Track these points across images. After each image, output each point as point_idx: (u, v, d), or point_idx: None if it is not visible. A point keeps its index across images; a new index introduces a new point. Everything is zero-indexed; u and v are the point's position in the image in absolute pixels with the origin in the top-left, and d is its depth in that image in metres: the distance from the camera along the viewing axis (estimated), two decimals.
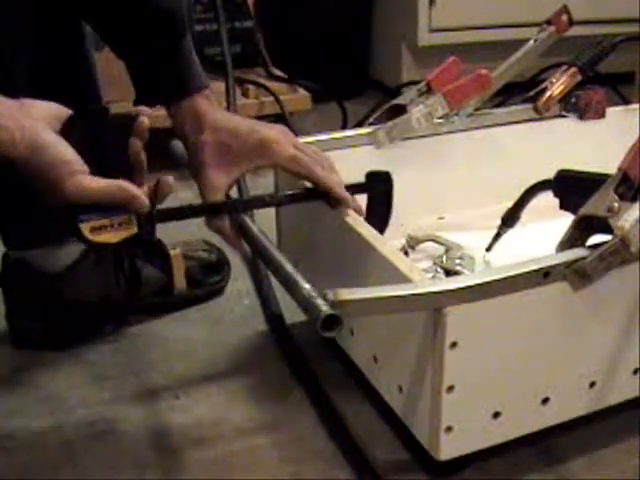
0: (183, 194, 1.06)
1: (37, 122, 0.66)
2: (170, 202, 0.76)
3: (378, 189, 0.88)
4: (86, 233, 0.69)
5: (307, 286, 0.65)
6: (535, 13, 1.32)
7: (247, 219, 0.81)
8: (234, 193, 0.88)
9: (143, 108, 0.74)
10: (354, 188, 0.85)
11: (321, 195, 0.83)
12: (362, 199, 0.87)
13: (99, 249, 0.73)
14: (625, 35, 1.23)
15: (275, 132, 0.83)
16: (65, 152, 0.67)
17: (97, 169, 0.69)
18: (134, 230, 0.71)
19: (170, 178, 0.74)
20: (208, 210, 0.81)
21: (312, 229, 0.91)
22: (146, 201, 0.71)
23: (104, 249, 0.73)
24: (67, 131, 0.69)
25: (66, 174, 0.67)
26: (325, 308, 0.61)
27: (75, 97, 0.79)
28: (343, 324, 0.61)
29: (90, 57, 0.92)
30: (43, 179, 0.66)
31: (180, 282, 1.04)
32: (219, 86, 1.52)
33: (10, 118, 0.64)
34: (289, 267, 0.69)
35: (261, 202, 0.86)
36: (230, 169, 0.81)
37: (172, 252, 1.04)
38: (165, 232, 0.88)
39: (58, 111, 0.70)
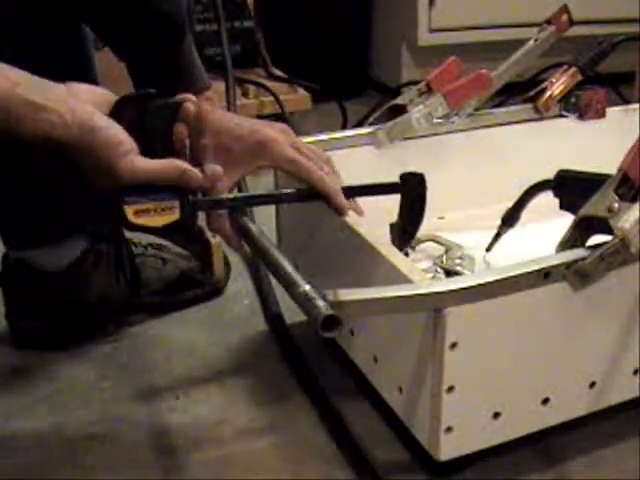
0: None
1: (87, 105, 0.67)
2: None
3: (413, 191, 0.86)
4: (129, 215, 0.69)
5: (307, 286, 0.64)
6: (535, 13, 1.32)
7: (247, 219, 0.80)
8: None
9: (189, 95, 0.75)
10: (386, 188, 0.84)
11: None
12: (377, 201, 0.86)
13: (140, 231, 0.73)
14: (625, 35, 1.23)
15: (275, 131, 0.83)
16: (118, 133, 0.67)
17: (142, 154, 0.69)
18: (176, 216, 0.71)
19: (218, 167, 0.74)
20: (246, 201, 0.82)
21: (312, 229, 0.91)
22: (199, 175, 0.72)
23: (145, 232, 0.73)
24: (115, 115, 0.70)
25: (120, 155, 0.67)
26: (325, 309, 0.61)
27: None
28: (343, 325, 0.61)
29: (90, 57, 0.92)
30: (95, 160, 0.67)
31: (219, 269, 1.03)
32: (219, 86, 1.52)
33: (60, 101, 0.65)
34: (289, 267, 0.69)
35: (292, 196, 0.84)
36: (231, 171, 0.81)
37: (212, 240, 1.04)
38: None
39: (104, 95, 0.71)
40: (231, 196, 0.80)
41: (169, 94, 0.84)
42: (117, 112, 0.70)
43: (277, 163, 0.82)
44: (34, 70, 0.79)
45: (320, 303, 0.62)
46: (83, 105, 0.66)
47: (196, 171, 0.72)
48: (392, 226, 0.85)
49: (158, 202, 0.70)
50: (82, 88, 0.69)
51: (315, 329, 0.61)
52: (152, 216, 0.70)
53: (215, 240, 1.05)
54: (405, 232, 0.85)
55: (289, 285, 0.67)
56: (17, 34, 0.82)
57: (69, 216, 0.93)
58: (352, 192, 0.84)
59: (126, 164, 0.68)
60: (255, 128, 0.82)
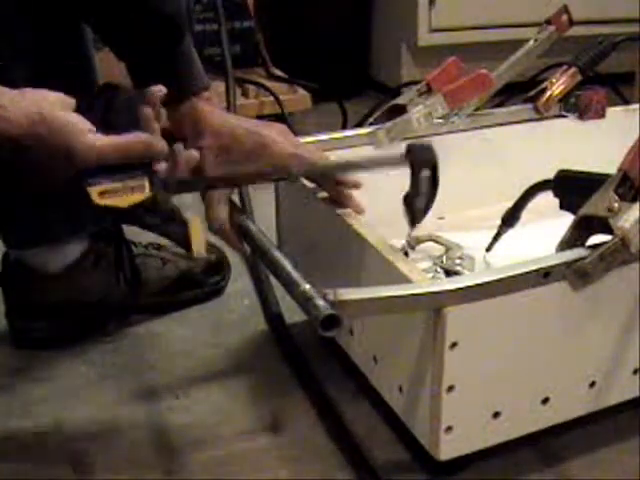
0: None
1: (42, 102, 0.64)
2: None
3: (422, 161, 0.77)
4: (94, 197, 0.66)
5: (307, 286, 0.64)
6: (535, 13, 1.32)
7: (247, 219, 0.80)
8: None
9: (158, 86, 0.72)
10: (392, 160, 0.79)
11: None
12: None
13: (109, 213, 0.71)
14: (625, 35, 1.23)
15: (274, 132, 0.83)
16: (69, 116, 0.65)
17: None
18: (146, 194, 0.67)
19: (193, 151, 0.73)
20: (224, 180, 0.80)
21: (312, 229, 0.91)
22: (164, 144, 0.68)
23: (114, 213, 0.71)
24: (80, 112, 0.67)
25: (76, 134, 0.64)
26: (325, 308, 0.61)
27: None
28: (342, 324, 0.62)
29: (90, 57, 0.92)
30: (50, 148, 0.64)
31: (198, 247, 1.01)
32: (219, 86, 1.52)
33: (11, 105, 0.63)
34: (289, 267, 0.69)
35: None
36: (229, 169, 0.81)
37: (190, 217, 1.01)
38: None
39: (64, 98, 0.67)
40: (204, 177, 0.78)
41: (167, 95, 0.84)
42: (82, 110, 0.67)
43: (278, 162, 0.82)
44: (34, 70, 0.79)
45: (320, 302, 0.62)
46: (37, 101, 0.64)
47: (163, 142, 0.68)
48: (405, 199, 0.80)
49: (124, 181, 0.66)
50: (40, 92, 0.66)
51: (315, 328, 0.61)
52: (120, 196, 0.66)
53: (194, 217, 1.01)
54: (416, 207, 0.80)
55: (289, 284, 0.67)
56: (17, 34, 0.82)
57: (68, 216, 0.93)
58: (357, 167, 0.83)
59: (85, 143, 0.64)
60: (254, 129, 0.83)
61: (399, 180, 0.89)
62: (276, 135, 0.82)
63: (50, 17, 0.84)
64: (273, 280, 1.04)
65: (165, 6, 0.83)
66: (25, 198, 0.91)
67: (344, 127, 1.64)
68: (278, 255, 0.73)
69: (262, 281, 1.10)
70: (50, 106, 0.64)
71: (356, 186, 0.84)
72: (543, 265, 0.68)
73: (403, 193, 0.80)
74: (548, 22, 1.13)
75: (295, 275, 0.67)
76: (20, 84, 0.81)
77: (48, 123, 0.63)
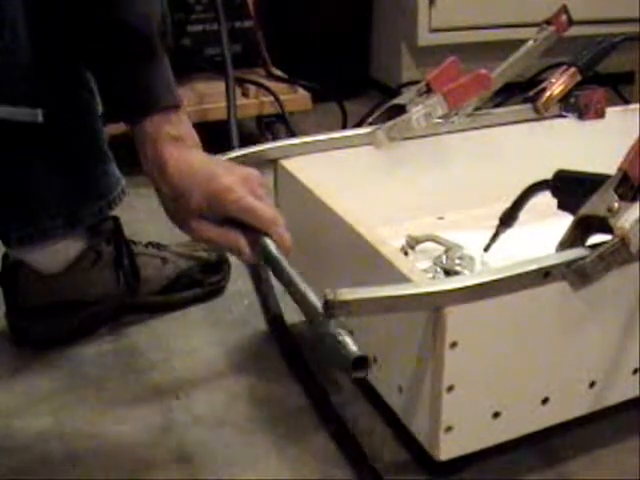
0: None
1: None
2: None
3: None
4: None
5: (337, 329, 0.62)
6: (535, 13, 1.32)
7: (267, 239, 0.75)
8: None
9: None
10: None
11: None
12: None
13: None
14: (625, 35, 1.23)
15: (234, 178, 0.76)
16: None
17: None
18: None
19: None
20: None
21: (312, 229, 0.91)
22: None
23: None
24: None
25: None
26: (354, 348, 0.60)
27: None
28: (372, 365, 0.60)
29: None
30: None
31: None
32: (219, 86, 1.52)
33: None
34: (313, 297, 0.65)
35: None
36: (203, 222, 0.77)
37: None
38: (167, 232, 0.88)
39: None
40: None
41: (123, 106, 0.81)
42: None
43: (231, 213, 0.75)
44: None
45: (349, 341, 0.60)
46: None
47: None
48: None
49: None
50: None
51: (344, 370, 0.60)
52: None
53: None
54: None
55: (316, 324, 0.64)
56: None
57: (66, 208, 0.93)
58: None
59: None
60: (213, 175, 0.77)
61: (399, 180, 0.89)
62: (234, 183, 0.76)
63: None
64: (273, 280, 1.04)
65: (133, 19, 0.79)
66: (23, 194, 0.91)
67: (344, 127, 1.64)
68: (303, 286, 0.67)
69: (262, 281, 1.10)
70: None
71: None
72: (543, 265, 0.68)
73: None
74: (548, 22, 1.13)
75: (322, 313, 0.63)
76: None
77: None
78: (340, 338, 0.61)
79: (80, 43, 0.82)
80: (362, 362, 0.60)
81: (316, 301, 0.65)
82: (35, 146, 0.88)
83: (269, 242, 0.74)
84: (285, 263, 0.70)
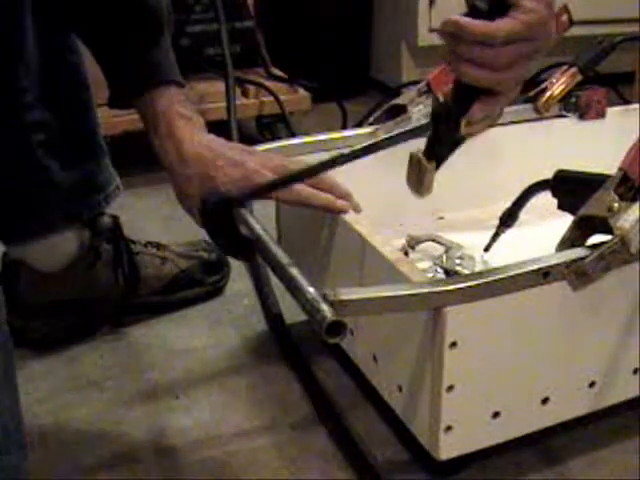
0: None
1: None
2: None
3: None
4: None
5: (311, 290, 0.64)
6: None
7: (251, 217, 0.78)
8: None
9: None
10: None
11: None
12: None
13: None
14: (625, 35, 1.23)
15: (257, 160, 0.81)
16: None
17: None
18: None
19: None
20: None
21: (312, 229, 0.91)
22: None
23: None
24: None
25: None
26: (329, 314, 0.61)
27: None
28: (347, 330, 0.61)
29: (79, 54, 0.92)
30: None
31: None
32: (219, 86, 1.52)
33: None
34: (294, 270, 0.67)
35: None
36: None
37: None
38: (167, 232, 0.88)
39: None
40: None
41: (135, 78, 0.82)
42: None
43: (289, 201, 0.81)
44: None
45: (324, 308, 0.61)
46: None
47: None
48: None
49: None
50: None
51: (319, 334, 0.61)
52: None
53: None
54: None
55: (293, 288, 0.65)
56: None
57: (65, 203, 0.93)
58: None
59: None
60: (237, 159, 0.80)
61: (399, 180, 0.89)
62: (257, 165, 0.80)
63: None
64: (273, 280, 1.04)
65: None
66: (23, 191, 0.91)
67: (344, 127, 1.64)
68: (282, 257, 0.71)
69: (262, 281, 1.10)
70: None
71: (346, 197, 0.83)
72: (543, 265, 0.68)
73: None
74: None
75: (299, 278, 0.66)
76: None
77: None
78: (316, 304, 0.61)
79: (92, 17, 0.82)
80: (338, 328, 0.60)
81: (294, 270, 0.66)
82: (35, 142, 0.88)
83: (269, 241, 0.74)
84: (285, 262, 0.70)
